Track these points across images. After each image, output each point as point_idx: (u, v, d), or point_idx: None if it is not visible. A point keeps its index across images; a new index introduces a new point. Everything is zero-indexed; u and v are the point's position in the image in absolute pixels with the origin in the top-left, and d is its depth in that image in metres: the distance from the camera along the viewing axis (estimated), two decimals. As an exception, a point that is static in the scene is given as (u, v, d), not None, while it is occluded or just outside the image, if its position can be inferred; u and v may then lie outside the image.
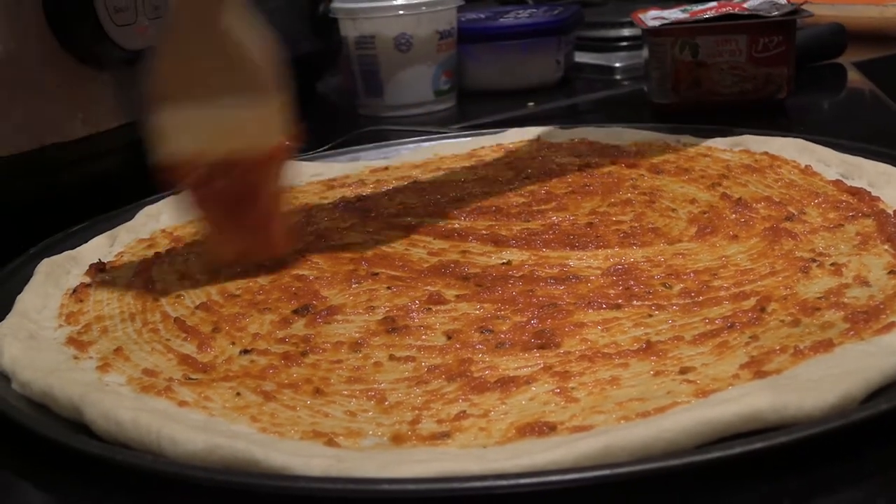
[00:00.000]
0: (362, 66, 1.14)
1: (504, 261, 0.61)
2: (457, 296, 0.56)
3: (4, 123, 0.72)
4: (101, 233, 0.71)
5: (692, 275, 0.56)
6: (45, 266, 0.64)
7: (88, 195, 0.79)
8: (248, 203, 0.60)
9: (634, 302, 0.53)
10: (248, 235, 0.61)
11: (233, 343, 0.53)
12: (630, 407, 0.42)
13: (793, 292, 0.52)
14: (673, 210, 0.67)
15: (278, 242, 0.62)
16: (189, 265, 0.65)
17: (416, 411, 0.44)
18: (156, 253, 0.68)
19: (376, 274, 0.60)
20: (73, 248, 0.68)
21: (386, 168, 0.86)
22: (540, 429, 0.41)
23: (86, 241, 0.70)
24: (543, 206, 0.70)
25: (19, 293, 0.60)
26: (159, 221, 0.75)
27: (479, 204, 0.72)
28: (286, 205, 0.62)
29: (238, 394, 0.47)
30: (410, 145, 0.92)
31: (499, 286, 0.56)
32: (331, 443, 0.42)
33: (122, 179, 0.83)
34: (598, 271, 0.58)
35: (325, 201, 0.77)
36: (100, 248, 0.69)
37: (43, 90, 0.74)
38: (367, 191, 0.79)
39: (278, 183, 0.61)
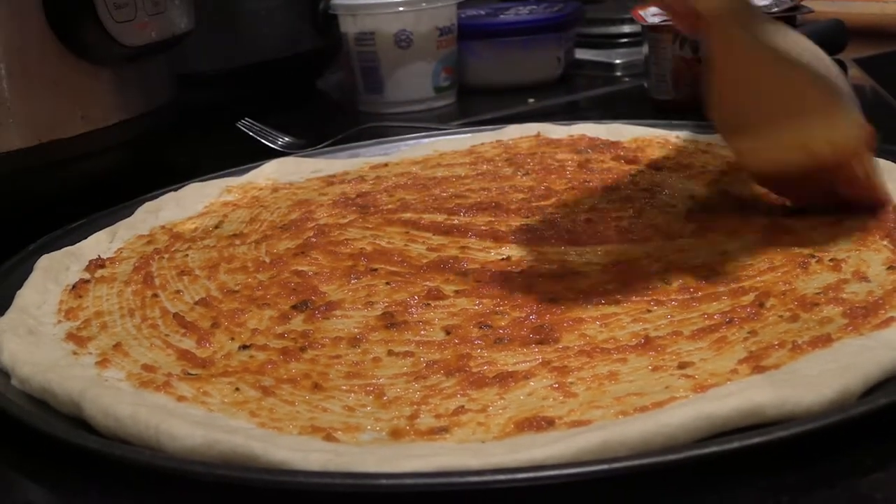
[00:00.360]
0: (362, 62, 1.14)
1: (503, 256, 0.61)
2: (456, 291, 0.56)
3: (4, 120, 0.72)
4: (100, 229, 0.71)
5: (691, 270, 0.56)
6: (45, 262, 0.64)
7: (88, 191, 0.79)
8: (837, 187, 0.59)
9: (633, 297, 0.53)
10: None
11: (232, 338, 0.53)
12: (628, 402, 0.42)
13: (792, 288, 0.52)
14: (672, 206, 0.67)
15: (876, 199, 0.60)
16: (188, 261, 0.65)
17: (415, 406, 0.44)
18: (155, 249, 0.68)
19: (375, 269, 0.60)
20: (72, 244, 0.68)
21: (385, 164, 0.86)
22: (538, 423, 0.41)
23: (85, 238, 0.70)
24: (543, 202, 0.70)
25: (19, 289, 0.60)
26: (158, 218, 0.75)
27: (478, 200, 0.72)
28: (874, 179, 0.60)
29: (237, 389, 0.47)
30: (410, 141, 0.91)
31: (498, 282, 0.56)
32: (329, 438, 0.42)
33: (122, 176, 0.84)
34: (598, 267, 0.58)
35: (325, 197, 0.77)
36: (99, 244, 0.69)
37: (42, 87, 0.74)
38: (366, 187, 0.79)
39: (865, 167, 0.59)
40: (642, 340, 0.48)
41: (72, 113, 0.77)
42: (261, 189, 0.81)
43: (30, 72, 0.73)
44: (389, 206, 0.72)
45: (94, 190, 0.79)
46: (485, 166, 0.81)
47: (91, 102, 0.79)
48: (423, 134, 0.93)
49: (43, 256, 0.64)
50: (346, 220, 0.70)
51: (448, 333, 0.51)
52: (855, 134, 0.57)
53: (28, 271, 0.63)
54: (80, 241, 0.69)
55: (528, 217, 0.67)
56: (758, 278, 0.54)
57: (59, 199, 0.77)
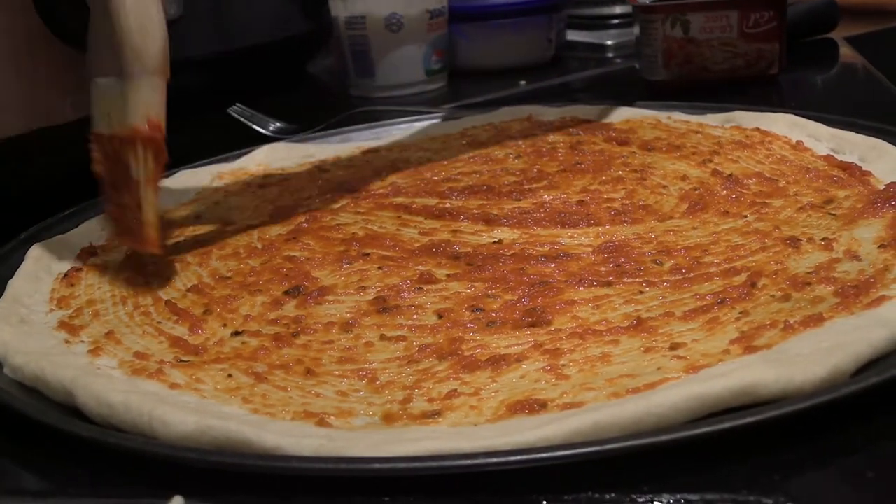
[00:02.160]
0: (353, 46, 1.13)
1: (495, 240, 0.61)
2: (448, 275, 0.56)
3: None
4: (91, 217, 0.71)
5: (683, 251, 0.56)
6: (36, 251, 0.63)
7: (79, 179, 0.78)
8: (124, 183, 0.59)
9: (625, 279, 0.53)
10: (128, 220, 0.60)
11: (224, 325, 0.53)
12: (620, 383, 0.42)
13: (783, 267, 0.52)
14: (664, 187, 0.67)
15: (149, 235, 0.58)
16: (179, 248, 0.65)
17: (407, 390, 0.44)
18: None
19: (367, 254, 0.60)
20: (63, 232, 0.68)
21: (377, 149, 0.85)
22: (531, 406, 0.41)
23: (77, 226, 0.69)
24: (535, 185, 0.70)
25: (10, 278, 0.60)
26: (150, 205, 0.75)
27: (470, 183, 0.71)
28: (154, 206, 0.58)
29: (229, 375, 0.47)
30: (402, 125, 0.91)
31: (490, 265, 0.56)
32: (322, 423, 0.42)
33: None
34: (589, 249, 0.58)
35: (317, 182, 0.77)
36: (91, 232, 0.69)
37: (32, 74, 0.74)
38: (358, 171, 0.78)
39: (147, 170, 0.57)
40: (634, 322, 0.48)
41: (61, 100, 0.77)
42: (252, 175, 0.81)
43: (18, 59, 0.73)
44: (381, 191, 0.72)
45: (85, 177, 0.79)
46: (476, 149, 0.81)
47: (81, 90, 0.79)
48: (414, 118, 0.93)
49: (34, 245, 0.64)
50: (337, 205, 0.70)
51: (440, 317, 0.51)
52: (138, 117, 0.56)
53: (19, 260, 0.62)
54: (71, 229, 0.69)
55: (519, 199, 0.67)
56: (749, 258, 0.54)
57: (50, 187, 0.77)
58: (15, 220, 0.70)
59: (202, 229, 0.68)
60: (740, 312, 0.48)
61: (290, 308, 0.54)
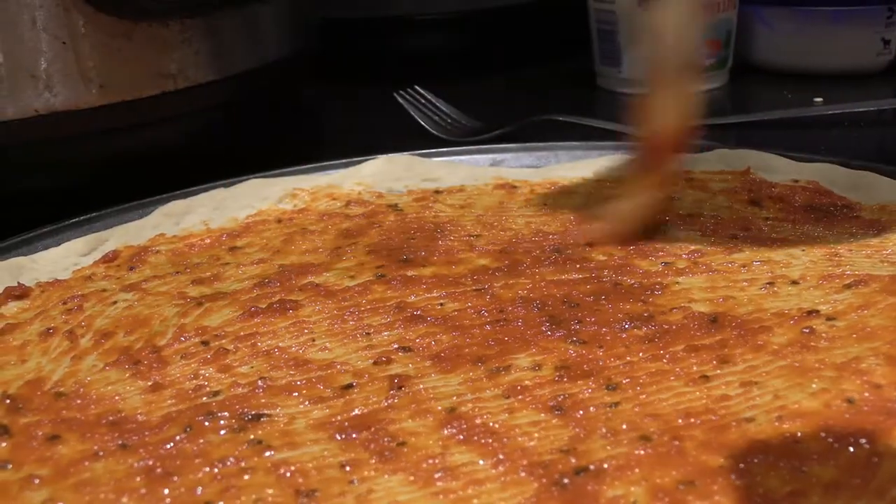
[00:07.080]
0: (599, 23, 0.87)
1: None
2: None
3: (83, 75, 0.60)
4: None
5: None
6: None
7: (170, 160, 0.64)
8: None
9: None
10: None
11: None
12: None
13: None
14: None
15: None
16: (96, 319, 0.46)
17: None
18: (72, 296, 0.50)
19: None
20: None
21: (514, 187, 0.60)
22: None
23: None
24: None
25: None
26: (180, 223, 0.57)
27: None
28: (638, 206, 0.52)
29: None
30: (578, 152, 0.65)
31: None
32: None
33: (206, 151, 0.68)
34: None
35: (380, 226, 0.55)
36: (64, 257, 0.53)
37: (120, 37, 0.61)
38: (444, 218, 0.55)
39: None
40: None
41: (156, 69, 0.63)
42: (335, 199, 0.60)
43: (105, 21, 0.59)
44: (417, 272, 0.48)
45: (179, 159, 0.65)
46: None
47: (181, 57, 0.64)
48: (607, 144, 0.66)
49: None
50: (354, 283, 0.48)
51: None
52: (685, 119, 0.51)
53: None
54: (41, 250, 0.54)
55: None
56: None
57: (140, 164, 0.63)
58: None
59: (155, 286, 0.50)
60: None
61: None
